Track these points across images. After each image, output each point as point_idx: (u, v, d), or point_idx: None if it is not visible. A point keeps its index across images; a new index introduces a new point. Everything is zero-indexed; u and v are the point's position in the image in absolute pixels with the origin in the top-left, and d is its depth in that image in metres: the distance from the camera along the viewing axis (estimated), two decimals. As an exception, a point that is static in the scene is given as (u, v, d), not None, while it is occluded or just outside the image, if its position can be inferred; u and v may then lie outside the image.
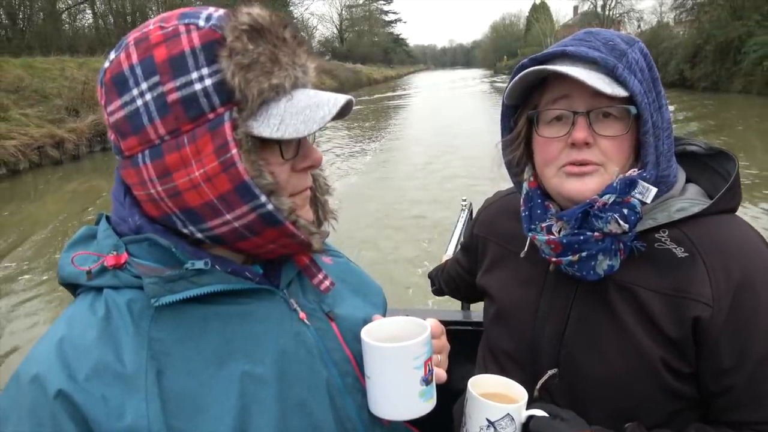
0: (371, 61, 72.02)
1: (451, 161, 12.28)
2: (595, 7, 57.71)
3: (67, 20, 24.08)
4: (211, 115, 0.69)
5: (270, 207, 0.71)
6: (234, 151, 0.68)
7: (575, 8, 69.77)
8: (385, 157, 13.70)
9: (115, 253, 0.74)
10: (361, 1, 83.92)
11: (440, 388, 0.85)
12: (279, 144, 0.73)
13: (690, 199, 0.98)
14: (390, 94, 39.85)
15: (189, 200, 0.71)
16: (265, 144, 0.72)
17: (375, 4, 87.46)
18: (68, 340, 0.69)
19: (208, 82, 0.68)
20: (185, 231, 0.74)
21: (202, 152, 0.68)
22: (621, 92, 0.89)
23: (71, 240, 0.80)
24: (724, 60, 27.54)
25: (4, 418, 0.67)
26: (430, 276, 1.67)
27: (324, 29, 76.97)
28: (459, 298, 1.65)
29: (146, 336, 0.70)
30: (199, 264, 0.73)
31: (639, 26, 49.06)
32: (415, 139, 16.67)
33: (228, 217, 0.71)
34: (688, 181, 1.04)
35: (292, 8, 50.53)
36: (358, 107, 27.89)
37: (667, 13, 39.58)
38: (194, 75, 0.68)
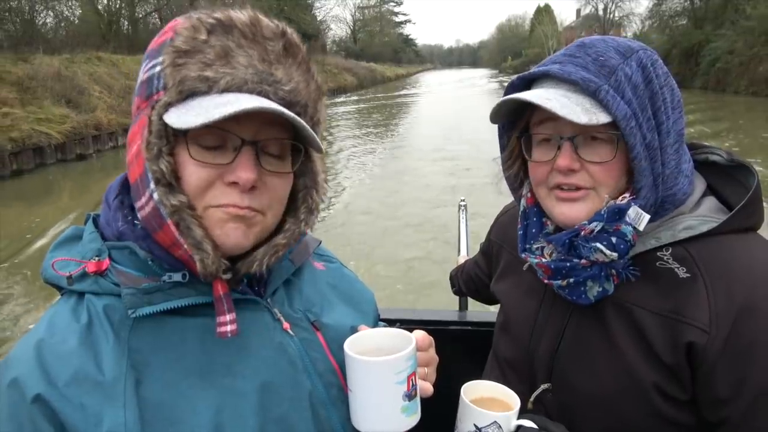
0: (381, 60, 75.49)
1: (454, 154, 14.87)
2: (596, 10, 61.43)
3: (142, 24, 29.26)
4: (155, 97, 0.71)
5: (155, 196, 0.68)
6: (145, 133, 0.69)
7: (578, 11, 72.86)
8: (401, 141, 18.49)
9: (97, 258, 0.74)
10: (372, 3, 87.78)
11: (434, 387, 0.85)
12: (186, 139, 0.70)
13: (701, 216, 0.92)
14: (404, 92, 43.01)
15: (131, 174, 0.73)
16: (178, 136, 0.70)
17: (386, 6, 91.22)
18: (48, 346, 0.69)
19: (160, 67, 0.71)
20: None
21: (140, 130, 0.71)
22: (602, 119, 0.84)
23: (57, 240, 0.80)
24: (688, 62, 33.38)
25: None
26: (450, 277, 1.70)
27: (338, 29, 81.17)
28: (478, 299, 1.60)
29: (126, 345, 0.70)
30: (177, 276, 0.73)
31: (641, 28, 50.83)
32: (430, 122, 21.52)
33: (143, 200, 0.71)
34: (713, 191, 0.98)
35: (315, 12, 53.92)
36: (380, 103, 31.94)
37: (652, 19, 43.58)
38: (159, 59, 0.71)
